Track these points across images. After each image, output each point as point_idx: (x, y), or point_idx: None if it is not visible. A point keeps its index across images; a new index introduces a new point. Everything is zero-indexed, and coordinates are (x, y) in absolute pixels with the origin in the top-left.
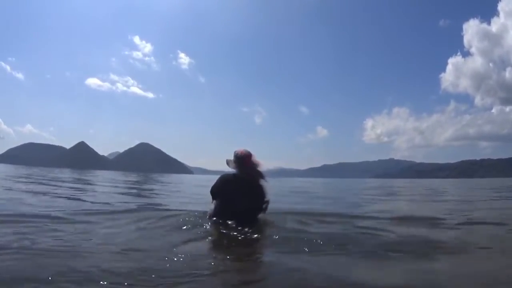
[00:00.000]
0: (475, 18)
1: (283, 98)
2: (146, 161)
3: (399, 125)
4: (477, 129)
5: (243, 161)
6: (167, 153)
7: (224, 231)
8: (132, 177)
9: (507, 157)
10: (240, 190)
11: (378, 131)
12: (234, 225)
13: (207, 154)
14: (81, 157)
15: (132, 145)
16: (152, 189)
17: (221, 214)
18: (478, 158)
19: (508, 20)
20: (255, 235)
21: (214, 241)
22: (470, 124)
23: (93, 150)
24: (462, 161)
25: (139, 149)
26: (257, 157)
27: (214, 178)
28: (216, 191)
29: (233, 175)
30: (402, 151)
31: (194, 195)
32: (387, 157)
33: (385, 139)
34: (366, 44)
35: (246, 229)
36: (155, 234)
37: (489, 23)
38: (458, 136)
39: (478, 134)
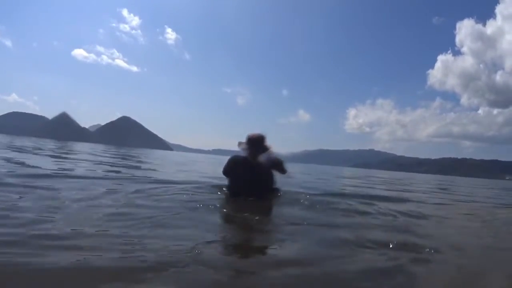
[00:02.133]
0: (471, 18)
1: (267, 80)
2: (127, 135)
3: (382, 117)
4: (462, 128)
5: (251, 144)
6: (148, 128)
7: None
8: (111, 153)
9: (490, 158)
10: (243, 173)
11: (361, 120)
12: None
13: (188, 132)
14: (63, 129)
15: (114, 118)
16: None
17: (231, 193)
18: (459, 157)
19: (506, 23)
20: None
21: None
22: (455, 122)
23: (75, 121)
24: (443, 158)
25: (120, 123)
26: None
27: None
28: (226, 171)
29: (242, 157)
30: (383, 143)
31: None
32: (367, 148)
33: (367, 129)
34: (356, 33)
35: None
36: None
37: (484, 25)
38: (441, 133)
39: (462, 133)
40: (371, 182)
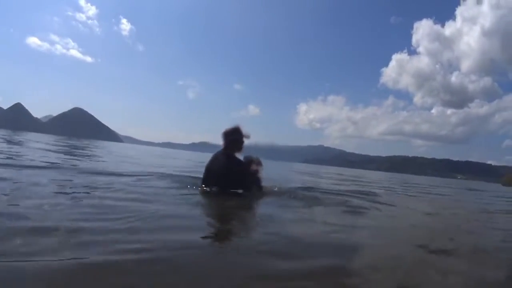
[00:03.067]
0: (429, 19)
1: (218, 74)
2: (79, 126)
3: (333, 113)
4: (414, 127)
5: (223, 137)
6: (99, 120)
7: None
8: (60, 144)
9: (442, 158)
10: (212, 166)
11: (311, 116)
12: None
13: (139, 124)
14: (18, 119)
15: (67, 109)
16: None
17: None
18: (411, 155)
19: (465, 26)
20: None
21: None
22: (407, 121)
23: (29, 112)
24: (394, 156)
25: (73, 114)
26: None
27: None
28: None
29: (220, 151)
30: (333, 139)
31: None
32: (317, 144)
33: (318, 125)
34: (311, 29)
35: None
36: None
37: (443, 26)
38: (393, 131)
39: (414, 132)
40: (334, 178)
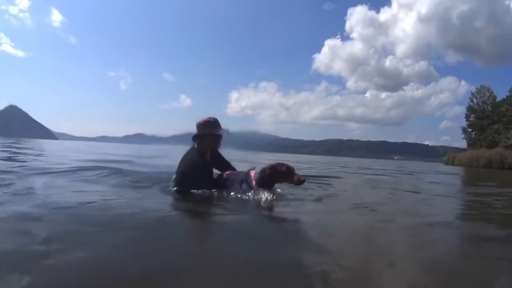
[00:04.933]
0: (364, 5)
1: (149, 64)
2: (14, 125)
3: (265, 100)
4: (348, 110)
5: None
6: (33, 117)
7: None
8: None
9: (376, 140)
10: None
11: (243, 103)
12: None
13: (73, 119)
14: None
15: (1, 107)
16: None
17: None
18: (345, 138)
19: (400, 11)
20: None
21: None
22: (340, 105)
23: None
24: (328, 140)
25: (8, 112)
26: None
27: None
28: None
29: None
30: (266, 125)
31: None
32: (250, 130)
33: (250, 112)
34: (241, 15)
35: None
36: None
37: (378, 12)
38: (326, 115)
39: (348, 115)
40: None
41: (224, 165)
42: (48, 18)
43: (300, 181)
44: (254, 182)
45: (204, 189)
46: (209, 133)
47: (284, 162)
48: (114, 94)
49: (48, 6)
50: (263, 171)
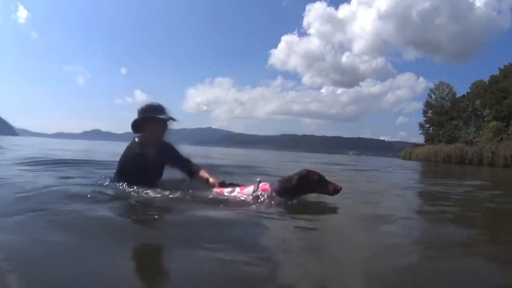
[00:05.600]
0: (322, 1)
1: (106, 59)
2: None
3: (220, 95)
4: (303, 106)
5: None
6: None
7: None
8: None
9: (332, 135)
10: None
11: (198, 99)
12: None
13: (33, 115)
14: None
15: None
16: None
17: None
18: (300, 134)
19: (360, 9)
20: None
21: None
22: (296, 100)
23: None
24: (283, 135)
25: None
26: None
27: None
28: None
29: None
30: (221, 121)
31: None
32: (205, 126)
33: (204, 107)
34: (197, 11)
35: None
36: None
37: (337, 8)
38: (282, 111)
39: (303, 111)
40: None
41: (184, 162)
42: (14, 14)
43: (336, 190)
44: (271, 193)
45: (146, 188)
46: (150, 116)
47: (315, 170)
48: (72, 90)
49: (15, 3)
50: (288, 180)
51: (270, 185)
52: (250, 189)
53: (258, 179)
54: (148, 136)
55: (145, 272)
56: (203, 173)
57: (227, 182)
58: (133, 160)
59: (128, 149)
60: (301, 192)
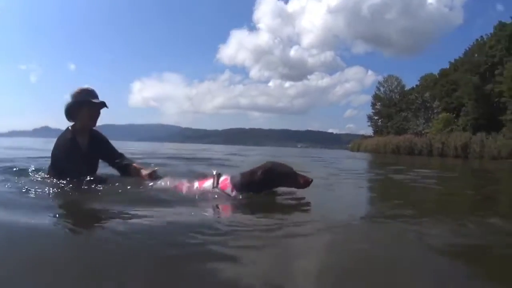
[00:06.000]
0: None
1: (56, 55)
2: None
3: (169, 90)
4: (250, 99)
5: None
6: None
7: None
8: None
9: (279, 128)
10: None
11: (146, 94)
12: None
13: None
14: None
15: None
16: None
17: None
18: (247, 127)
19: (310, 2)
20: None
21: None
22: (243, 94)
23: None
24: (231, 129)
25: None
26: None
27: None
28: None
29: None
30: (169, 116)
31: None
32: (154, 122)
33: (153, 103)
34: (145, 3)
35: None
36: None
37: (286, 2)
38: (229, 105)
39: (250, 104)
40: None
41: (116, 156)
42: None
43: (307, 183)
44: (232, 189)
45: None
46: (86, 100)
47: (280, 162)
48: (24, 87)
49: None
50: (252, 173)
51: (230, 180)
52: (209, 183)
53: (216, 172)
54: (81, 122)
55: None
56: (136, 165)
57: (159, 173)
58: (63, 147)
59: (59, 137)
60: (267, 186)
